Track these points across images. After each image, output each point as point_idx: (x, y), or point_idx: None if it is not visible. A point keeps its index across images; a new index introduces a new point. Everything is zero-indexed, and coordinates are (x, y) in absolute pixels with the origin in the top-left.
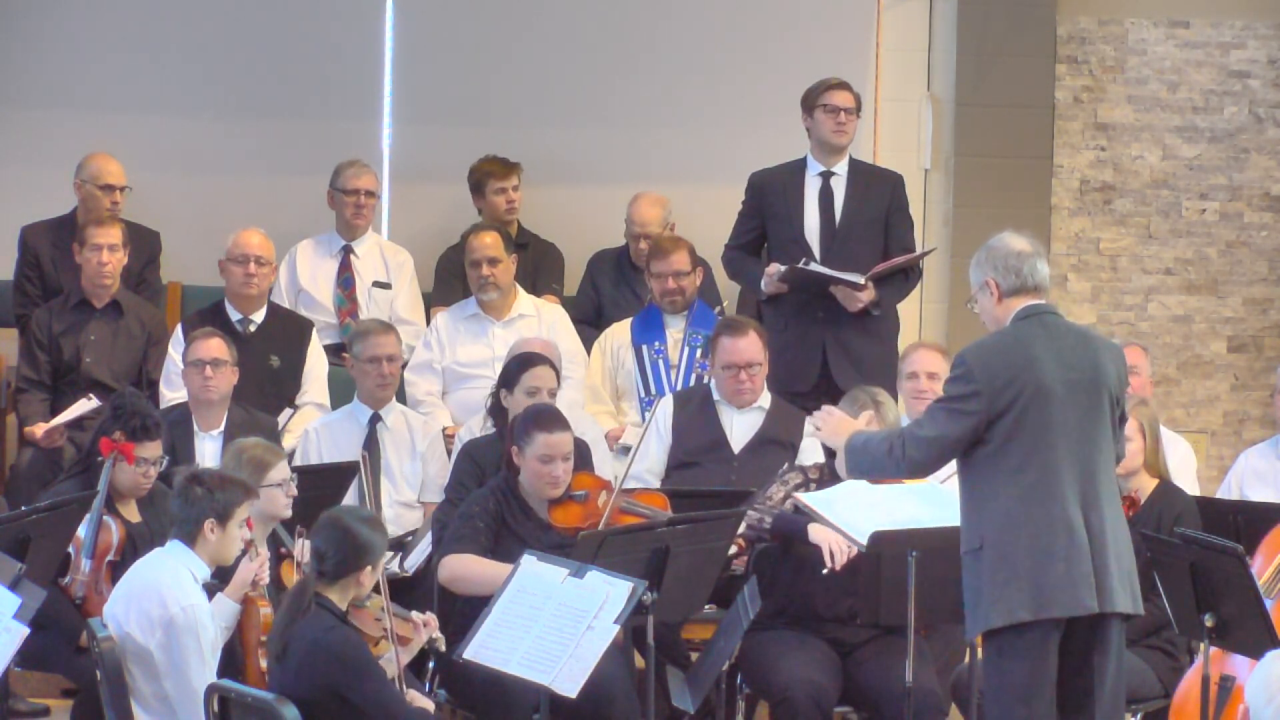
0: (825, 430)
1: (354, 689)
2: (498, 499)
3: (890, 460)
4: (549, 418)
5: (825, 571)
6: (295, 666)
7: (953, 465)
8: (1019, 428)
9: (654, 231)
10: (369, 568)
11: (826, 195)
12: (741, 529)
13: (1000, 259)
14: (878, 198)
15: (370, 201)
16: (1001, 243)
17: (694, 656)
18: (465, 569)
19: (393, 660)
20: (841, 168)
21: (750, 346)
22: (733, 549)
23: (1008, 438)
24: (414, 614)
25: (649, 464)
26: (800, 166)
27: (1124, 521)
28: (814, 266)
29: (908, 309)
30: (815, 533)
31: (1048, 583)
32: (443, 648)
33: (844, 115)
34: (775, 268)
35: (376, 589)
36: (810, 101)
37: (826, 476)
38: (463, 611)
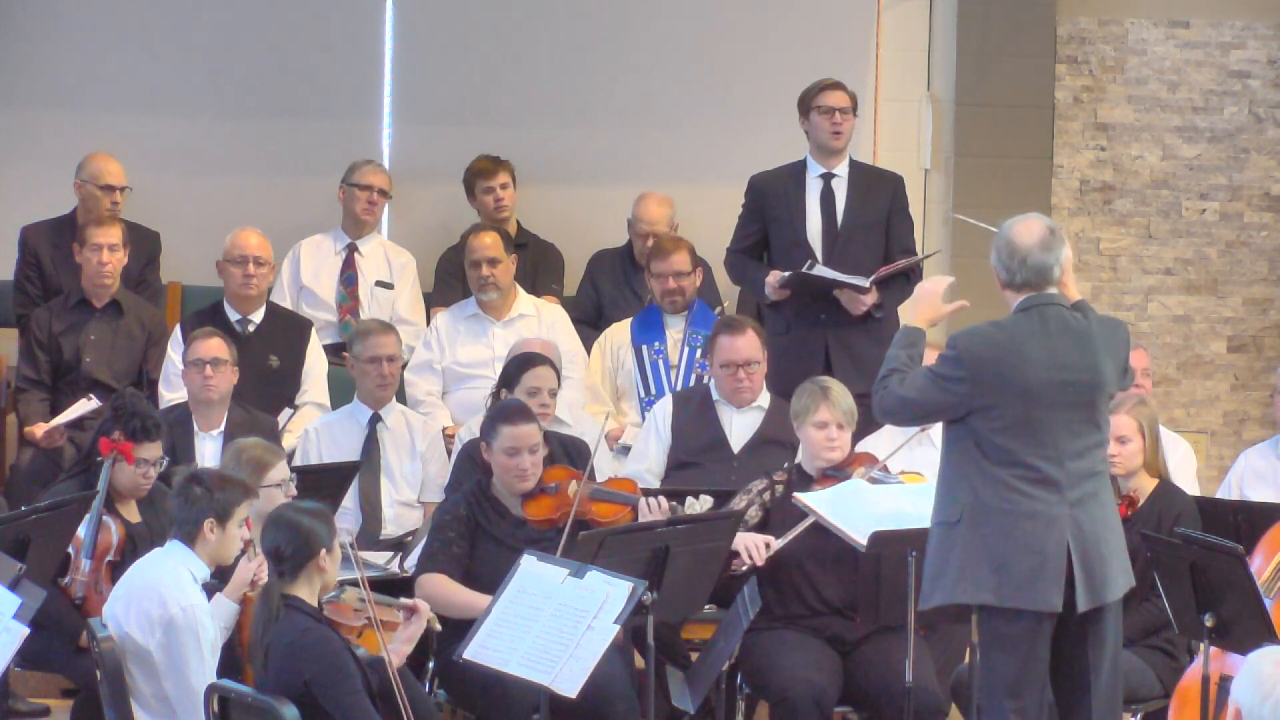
0: (916, 294)
1: (327, 691)
2: (469, 503)
3: (876, 385)
4: (513, 411)
5: (744, 569)
6: (276, 670)
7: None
8: (1007, 424)
9: (661, 230)
10: (323, 551)
11: (828, 197)
12: None
13: (998, 251)
14: (879, 199)
15: (381, 200)
16: (1009, 232)
17: (694, 656)
18: (437, 591)
19: (394, 651)
20: (842, 169)
21: (748, 345)
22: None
23: (996, 431)
24: (402, 600)
25: (649, 464)
26: (801, 168)
27: (1116, 513)
28: (818, 270)
29: None
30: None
31: (1017, 574)
32: (438, 626)
33: (839, 116)
34: (777, 275)
35: (354, 583)
36: (806, 103)
37: (794, 479)
38: (457, 620)
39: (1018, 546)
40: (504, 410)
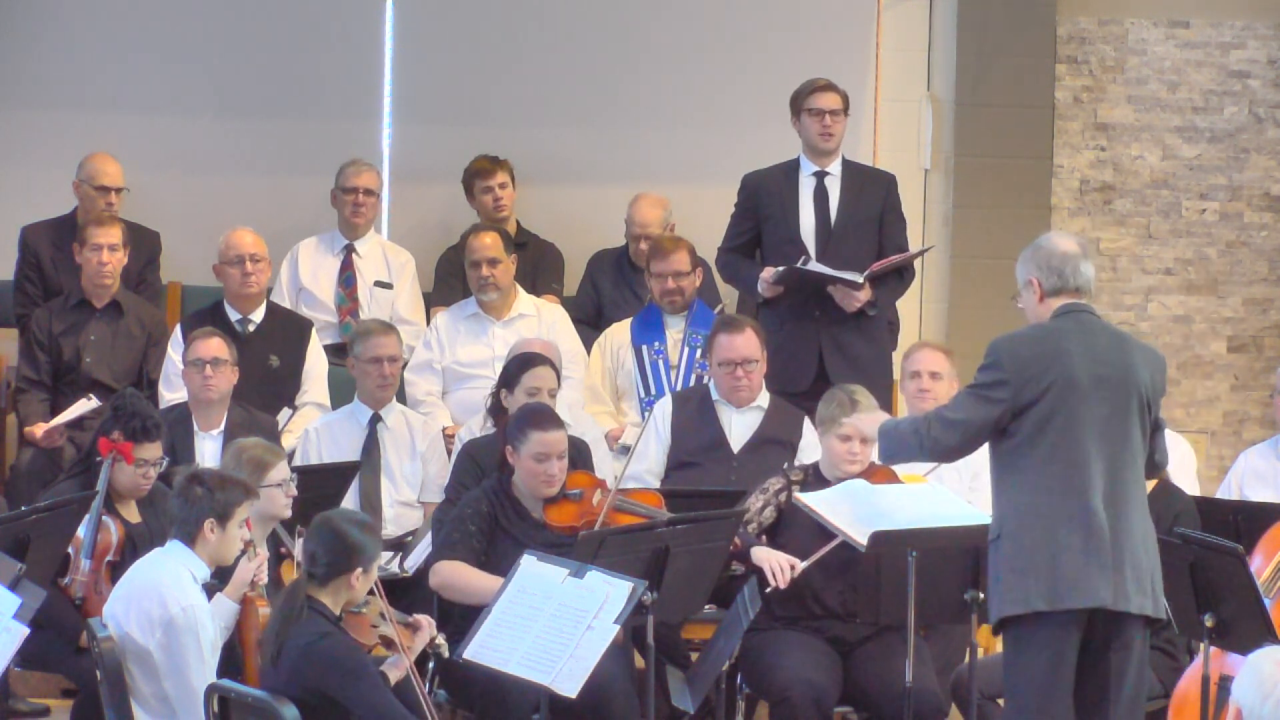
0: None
1: (347, 693)
2: (490, 501)
3: (916, 441)
4: (543, 416)
5: (768, 590)
6: (287, 671)
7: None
8: (1047, 420)
9: (654, 232)
10: (359, 570)
11: (821, 195)
12: None
13: (1044, 258)
14: (872, 198)
15: (369, 200)
16: (1049, 242)
17: (694, 656)
18: (455, 578)
19: (395, 664)
20: (835, 168)
21: (747, 343)
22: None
23: (1036, 429)
24: (413, 617)
25: (648, 464)
26: (794, 167)
27: (1149, 523)
28: (812, 266)
29: (908, 309)
30: (757, 554)
31: (1064, 574)
32: (446, 654)
33: (829, 118)
34: (772, 270)
35: (373, 592)
36: (797, 104)
37: (811, 478)
38: (462, 613)
39: (1063, 549)
40: (533, 415)
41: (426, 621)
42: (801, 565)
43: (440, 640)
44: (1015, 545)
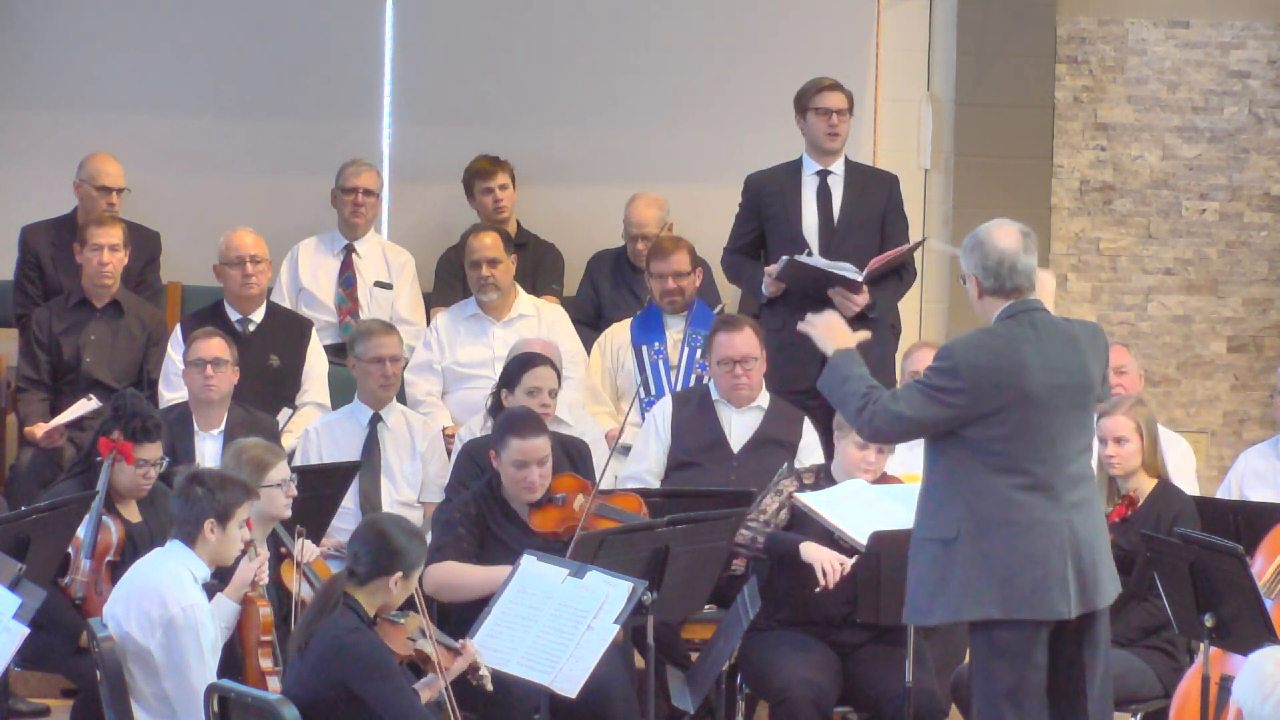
0: (818, 328)
1: (370, 689)
2: (479, 503)
3: (856, 416)
4: (524, 423)
5: (818, 590)
6: (312, 663)
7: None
8: (1006, 431)
9: (651, 232)
10: (399, 575)
11: (824, 194)
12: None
13: (980, 259)
14: (874, 197)
15: (369, 200)
16: (989, 239)
17: (694, 656)
18: (449, 577)
19: (430, 684)
20: (838, 166)
21: (746, 341)
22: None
23: (994, 439)
24: (459, 641)
25: (648, 464)
26: (796, 166)
27: (1103, 516)
28: (813, 260)
29: (908, 309)
30: (807, 551)
31: (1022, 585)
32: (489, 686)
33: (836, 118)
34: (774, 266)
35: (413, 605)
36: (803, 103)
37: (822, 479)
38: (460, 614)
39: (1021, 558)
40: (514, 421)
41: (470, 648)
42: (850, 563)
43: (484, 671)
44: (975, 549)
